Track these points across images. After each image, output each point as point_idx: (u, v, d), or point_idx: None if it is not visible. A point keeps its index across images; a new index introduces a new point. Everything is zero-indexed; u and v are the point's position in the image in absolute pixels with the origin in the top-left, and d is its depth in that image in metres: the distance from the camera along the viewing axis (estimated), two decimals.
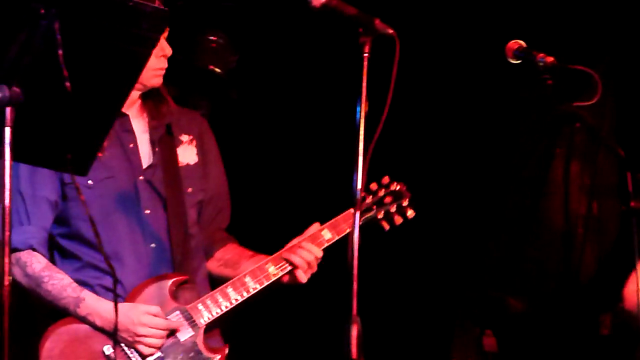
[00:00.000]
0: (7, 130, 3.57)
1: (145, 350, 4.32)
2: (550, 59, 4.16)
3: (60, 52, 3.70)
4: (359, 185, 3.74)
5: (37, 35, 3.79)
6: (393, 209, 4.72)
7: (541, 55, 4.16)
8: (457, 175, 6.29)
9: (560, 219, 6.50)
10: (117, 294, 3.89)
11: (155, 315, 4.29)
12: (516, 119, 6.13)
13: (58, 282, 4.33)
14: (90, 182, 4.33)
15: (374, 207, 4.70)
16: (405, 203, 4.68)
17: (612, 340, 5.61)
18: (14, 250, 4.19)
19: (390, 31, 3.82)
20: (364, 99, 3.72)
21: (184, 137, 4.66)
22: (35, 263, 4.34)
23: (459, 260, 6.00)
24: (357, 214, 3.59)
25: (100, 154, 4.30)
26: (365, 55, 3.82)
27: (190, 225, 4.55)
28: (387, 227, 4.74)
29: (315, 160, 6.65)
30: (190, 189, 4.57)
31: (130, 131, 4.57)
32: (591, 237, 6.23)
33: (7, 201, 3.46)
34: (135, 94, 4.57)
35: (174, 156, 4.59)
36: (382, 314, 5.27)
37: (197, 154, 4.67)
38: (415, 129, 6.49)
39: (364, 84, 3.75)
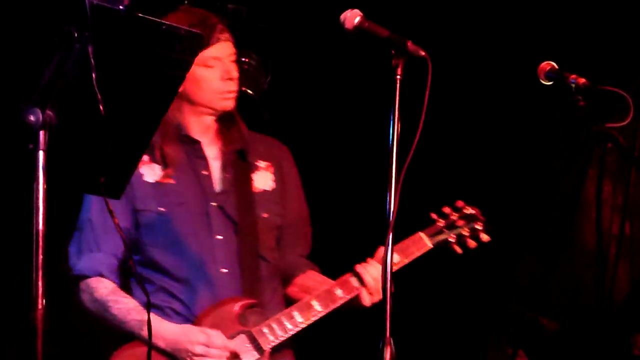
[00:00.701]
0: (41, 154, 3.56)
1: None
2: (582, 80, 4.10)
3: (93, 75, 3.66)
4: (392, 207, 3.67)
5: (71, 59, 3.77)
6: (466, 232, 4.65)
7: (573, 76, 4.10)
8: (493, 194, 6.18)
9: (593, 239, 6.46)
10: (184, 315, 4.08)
11: (213, 338, 4.25)
12: (549, 139, 6.11)
13: (124, 306, 4.36)
14: (161, 208, 4.38)
15: (445, 230, 4.63)
16: (479, 227, 4.62)
17: None
18: (83, 277, 4.31)
19: (423, 53, 3.79)
20: (397, 121, 3.69)
21: (261, 163, 4.62)
22: (103, 288, 4.37)
23: (494, 279, 6.04)
24: (390, 236, 3.53)
25: (173, 181, 4.45)
26: (398, 77, 3.80)
27: (263, 251, 4.52)
28: (459, 250, 4.68)
29: (357, 180, 6.51)
30: (266, 214, 4.54)
31: (203, 157, 4.56)
32: (624, 257, 6.18)
33: (40, 225, 3.44)
34: (208, 119, 4.58)
35: (248, 182, 4.57)
36: (416, 335, 5.29)
37: (275, 180, 4.61)
38: (449, 149, 6.51)
39: (397, 106, 3.73)
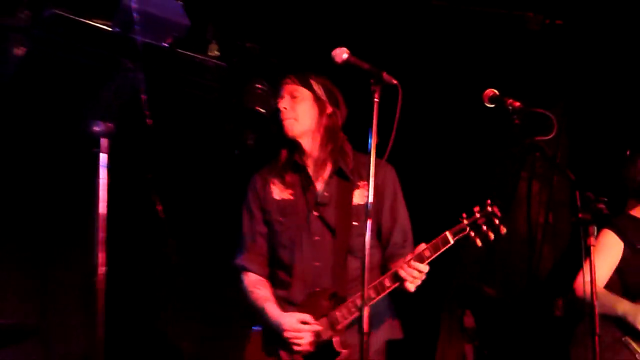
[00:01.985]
0: (103, 156, 3.72)
1: (295, 347, 4.39)
2: (517, 103, 4.18)
3: (143, 96, 3.88)
4: (369, 206, 3.80)
5: (126, 83, 3.98)
6: (485, 227, 4.47)
7: (510, 100, 4.17)
8: (446, 188, 6.24)
9: (524, 226, 6.49)
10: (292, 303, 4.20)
11: (303, 321, 4.35)
12: (492, 149, 6.11)
13: (256, 295, 4.51)
14: (281, 218, 4.46)
15: (467, 227, 4.45)
16: (496, 222, 4.44)
17: (563, 320, 5.63)
18: (240, 270, 4.51)
19: (394, 82, 3.82)
20: (375, 133, 3.75)
21: (361, 182, 4.57)
22: (246, 280, 4.55)
23: (448, 258, 6.05)
24: (367, 237, 3.57)
25: (291, 197, 4.50)
26: (376, 100, 3.80)
27: (353, 251, 4.50)
28: (479, 243, 4.50)
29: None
30: (356, 223, 4.53)
31: (309, 178, 4.57)
32: (548, 240, 6.25)
33: (102, 210, 3.61)
34: (307, 146, 4.56)
35: (348, 197, 4.55)
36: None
37: (373, 195, 4.37)
38: (417, 156, 6.54)
39: (375, 121, 3.76)
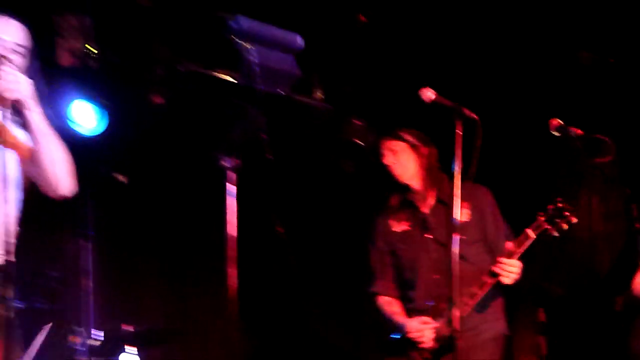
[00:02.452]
0: (234, 189, 3.96)
1: (420, 345, 4.61)
2: (579, 131, 4.34)
3: (264, 136, 4.22)
4: (457, 217, 4.04)
5: (249, 125, 4.32)
6: (558, 219, 4.59)
7: (573, 129, 4.32)
8: (521, 199, 6.07)
9: (587, 236, 6.28)
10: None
11: (424, 322, 4.61)
12: (559, 168, 5.92)
13: (387, 311, 4.78)
14: (403, 246, 4.73)
15: (544, 223, 4.58)
16: (567, 214, 4.56)
17: (623, 315, 5.42)
18: (375, 294, 4.77)
19: (475, 117, 4.00)
20: (459, 160, 3.97)
21: (463, 204, 4.51)
22: (380, 301, 4.80)
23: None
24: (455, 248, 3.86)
25: (408, 228, 4.76)
26: (458, 132, 4.01)
27: (464, 257, 4.52)
28: (556, 233, 4.67)
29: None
30: (465, 237, 4.50)
31: (419, 209, 4.82)
32: (607, 247, 6.14)
33: (232, 232, 3.82)
34: (415, 182, 4.78)
35: (451, 217, 4.49)
36: None
37: (471, 213, 4.80)
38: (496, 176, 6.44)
39: (459, 151, 3.97)
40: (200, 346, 6.26)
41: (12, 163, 3.64)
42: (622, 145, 5.71)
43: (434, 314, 4.65)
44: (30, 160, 3.65)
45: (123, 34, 5.64)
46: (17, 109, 3.52)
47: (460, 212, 4.43)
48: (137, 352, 5.28)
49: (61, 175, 3.64)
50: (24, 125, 3.55)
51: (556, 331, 5.84)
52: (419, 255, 4.79)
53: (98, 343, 5.06)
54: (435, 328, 4.62)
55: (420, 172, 4.85)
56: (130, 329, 5.31)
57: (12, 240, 3.53)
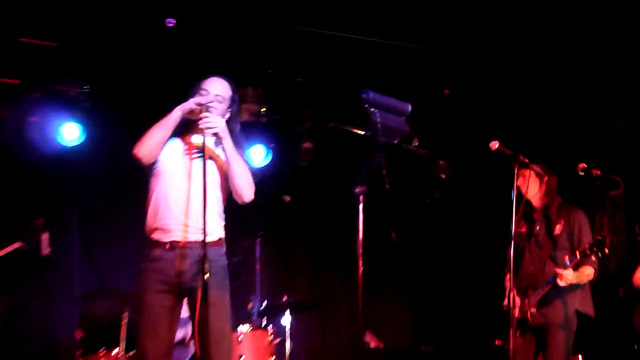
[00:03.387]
0: (360, 206, 4.57)
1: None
2: (598, 171, 5.03)
3: (384, 172, 4.62)
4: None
5: (374, 164, 4.71)
6: (597, 249, 5.03)
7: (594, 170, 5.00)
8: None
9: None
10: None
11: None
12: (584, 199, 6.22)
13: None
14: (519, 244, 5.19)
15: (589, 250, 4.98)
16: (603, 247, 4.95)
17: (625, 300, 6.03)
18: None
19: (526, 160, 4.72)
20: (515, 191, 4.67)
21: (560, 221, 5.25)
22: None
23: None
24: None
25: (524, 231, 5.31)
26: (515, 177, 4.78)
27: (553, 259, 5.19)
28: (593, 258, 5.14)
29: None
30: (559, 246, 5.21)
31: (533, 219, 5.33)
32: (614, 254, 6.67)
33: (360, 236, 4.24)
34: (535, 201, 5.33)
35: (551, 231, 5.29)
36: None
37: (563, 228, 5.23)
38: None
39: (515, 185, 4.73)
40: (332, 314, 6.86)
41: (213, 170, 4.07)
42: (628, 181, 6.51)
43: (522, 295, 5.15)
44: (225, 173, 4.11)
45: (284, 100, 6.56)
46: (217, 137, 4.03)
47: (557, 227, 5.19)
48: (291, 315, 5.87)
49: (243, 185, 4.09)
50: (222, 148, 4.02)
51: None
52: (524, 251, 5.30)
53: (265, 308, 5.72)
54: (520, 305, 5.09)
55: (539, 193, 5.31)
56: (286, 299, 5.99)
57: (213, 224, 3.94)
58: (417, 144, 6.08)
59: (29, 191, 6.48)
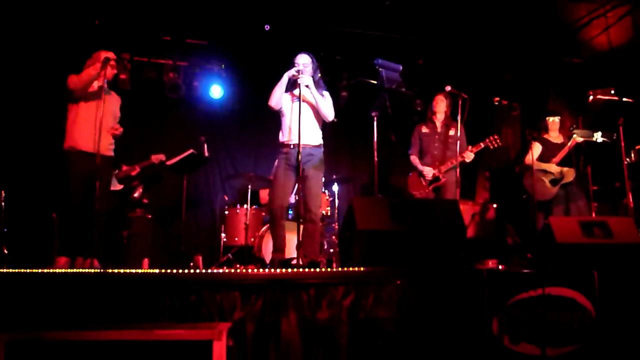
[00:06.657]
0: (375, 123, 5.39)
1: (426, 177, 5.55)
2: (504, 101, 6.14)
3: (387, 103, 5.53)
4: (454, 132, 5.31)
5: (382, 98, 5.65)
6: (493, 141, 5.55)
7: (503, 100, 6.02)
8: None
9: (504, 146, 7.89)
10: None
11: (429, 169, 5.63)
12: (497, 117, 7.11)
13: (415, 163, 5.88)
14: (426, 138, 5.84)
15: (486, 142, 5.65)
16: (498, 140, 5.23)
17: (519, 173, 6.66)
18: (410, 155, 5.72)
19: (454, 91, 5.77)
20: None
21: (452, 127, 5.70)
22: (411, 159, 5.98)
23: None
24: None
25: (429, 130, 5.95)
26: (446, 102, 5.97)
27: (448, 147, 5.72)
28: (491, 147, 5.80)
29: None
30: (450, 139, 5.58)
31: (434, 121, 6.05)
32: (512, 147, 8.02)
33: None
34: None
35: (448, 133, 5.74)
36: None
37: (457, 132, 5.64)
38: None
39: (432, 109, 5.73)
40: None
41: (310, 106, 5.22)
42: (523, 106, 7.75)
43: (433, 167, 6.16)
44: (316, 107, 5.27)
45: (330, 69, 7.90)
46: (308, 88, 5.13)
47: (455, 130, 6.17)
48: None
49: (327, 112, 5.28)
50: (311, 93, 5.03)
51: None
52: (430, 143, 6.29)
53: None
54: (433, 172, 6.07)
55: (446, 110, 6.20)
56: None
57: (314, 134, 4.95)
58: (404, 88, 7.54)
59: (196, 127, 8.53)
